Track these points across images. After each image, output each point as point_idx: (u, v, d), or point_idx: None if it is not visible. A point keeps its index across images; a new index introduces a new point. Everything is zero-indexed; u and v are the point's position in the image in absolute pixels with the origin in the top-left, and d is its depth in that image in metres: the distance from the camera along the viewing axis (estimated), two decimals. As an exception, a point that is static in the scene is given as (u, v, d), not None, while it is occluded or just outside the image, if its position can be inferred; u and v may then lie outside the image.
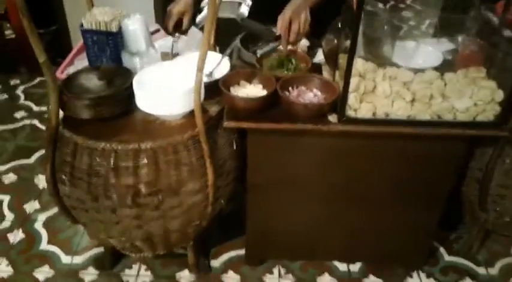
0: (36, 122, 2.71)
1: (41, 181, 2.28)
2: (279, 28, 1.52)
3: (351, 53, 1.27)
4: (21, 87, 3.04)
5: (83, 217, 1.57)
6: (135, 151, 1.36)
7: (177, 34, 1.65)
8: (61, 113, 1.40)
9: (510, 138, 1.46)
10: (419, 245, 1.82)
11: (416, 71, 1.42)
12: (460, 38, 1.47)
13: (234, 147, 1.57)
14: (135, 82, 1.37)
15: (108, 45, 1.45)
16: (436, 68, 1.44)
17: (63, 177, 1.45)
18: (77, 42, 1.73)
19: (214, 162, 1.45)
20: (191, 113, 1.37)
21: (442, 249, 1.99)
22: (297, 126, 1.39)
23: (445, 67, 1.45)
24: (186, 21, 1.64)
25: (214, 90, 1.45)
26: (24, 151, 2.48)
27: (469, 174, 1.65)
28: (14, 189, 2.25)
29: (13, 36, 3.10)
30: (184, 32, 1.67)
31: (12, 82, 3.10)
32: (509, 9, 1.39)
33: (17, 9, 1.13)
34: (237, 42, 1.58)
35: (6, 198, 2.20)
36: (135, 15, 1.43)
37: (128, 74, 1.43)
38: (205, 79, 1.45)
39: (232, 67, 1.55)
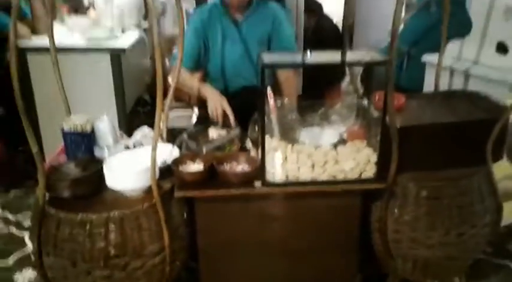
0: (13, 229, 3.03)
1: (19, 280, 2.53)
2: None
3: (262, 138, 1.79)
4: (-1, 201, 3.39)
5: (63, 285, 1.87)
6: (106, 219, 1.74)
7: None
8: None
9: (392, 192, 1.93)
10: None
11: (317, 146, 1.93)
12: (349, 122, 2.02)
13: (185, 216, 1.97)
14: (105, 166, 1.81)
15: (84, 143, 1.91)
16: (333, 144, 1.96)
17: (48, 248, 1.79)
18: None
19: (169, 228, 1.84)
20: (150, 189, 1.80)
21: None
22: (231, 191, 1.83)
23: (340, 142, 1.97)
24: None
25: (168, 173, 1.91)
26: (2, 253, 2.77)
27: (372, 226, 2.07)
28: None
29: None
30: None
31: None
32: (376, 98, 1.97)
33: None
34: (184, 136, 2.09)
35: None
36: (104, 117, 1.92)
37: (98, 162, 1.87)
38: (160, 164, 1.90)
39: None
